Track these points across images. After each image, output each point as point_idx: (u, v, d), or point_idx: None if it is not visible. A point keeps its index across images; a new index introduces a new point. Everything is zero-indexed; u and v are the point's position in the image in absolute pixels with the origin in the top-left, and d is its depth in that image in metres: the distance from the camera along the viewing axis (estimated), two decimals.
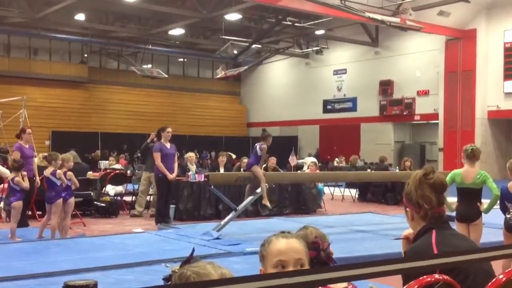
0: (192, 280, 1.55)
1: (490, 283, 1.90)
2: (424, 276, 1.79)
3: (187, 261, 1.64)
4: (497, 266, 2.46)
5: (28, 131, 9.68)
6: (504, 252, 2.04)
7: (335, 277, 1.51)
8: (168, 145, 10.15)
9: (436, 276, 1.78)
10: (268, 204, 9.35)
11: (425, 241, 2.35)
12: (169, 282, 1.60)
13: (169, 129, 10.29)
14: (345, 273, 1.52)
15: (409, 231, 2.62)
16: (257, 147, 8.81)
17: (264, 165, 13.42)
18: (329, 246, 2.32)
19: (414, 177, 2.50)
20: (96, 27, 28.50)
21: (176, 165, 10.30)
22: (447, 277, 1.82)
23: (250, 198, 9.34)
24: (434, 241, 2.33)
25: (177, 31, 28.77)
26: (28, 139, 9.58)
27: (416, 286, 1.70)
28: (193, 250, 1.70)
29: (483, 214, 6.09)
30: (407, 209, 2.48)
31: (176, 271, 1.61)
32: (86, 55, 32.61)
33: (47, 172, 8.13)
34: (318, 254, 2.22)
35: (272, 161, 12.73)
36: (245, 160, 12.76)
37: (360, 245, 7.91)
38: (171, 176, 9.92)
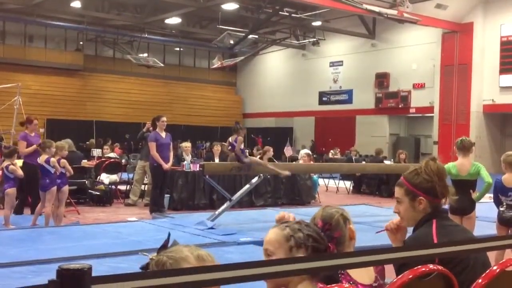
0: (169, 266, 1.55)
1: (484, 274, 1.91)
2: (419, 266, 1.79)
3: (164, 246, 1.62)
4: (490, 259, 2.47)
5: (35, 122, 9.70)
6: (500, 243, 2.05)
7: (336, 265, 1.51)
8: (163, 134, 10.12)
9: (431, 266, 1.78)
10: (286, 172, 9.20)
11: (426, 230, 2.36)
12: (147, 270, 1.57)
13: (164, 118, 10.26)
14: (348, 260, 1.52)
15: (392, 222, 2.60)
16: (234, 143, 8.50)
17: (259, 156, 13.43)
18: (335, 228, 2.30)
19: (433, 168, 2.45)
20: (92, 15, 28.33)
21: (171, 154, 10.27)
22: (442, 267, 1.83)
23: (245, 188, 9.35)
24: (434, 231, 2.33)
25: (173, 20, 28.64)
26: (34, 129, 9.59)
27: (411, 276, 1.70)
28: (169, 234, 1.69)
29: (476, 207, 6.13)
30: (420, 198, 2.42)
31: (154, 258, 1.60)
32: (81, 42, 32.43)
33: (41, 160, 8.11)
34: None
35: (270, 151, 12.72)
36: None
37: None
38: (166, 166, 9.91)
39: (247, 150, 11.00)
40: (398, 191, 2.54)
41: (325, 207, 2.40)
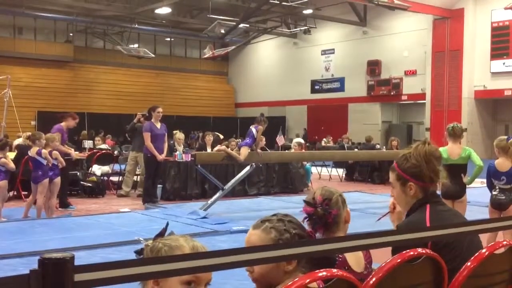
0: (164, 252, 1.58)
1: (473, 257, 1.90)
2: (407, 250, 1.79)
3: (160, 234, 1.65)
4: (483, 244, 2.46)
5: (77, 121, 9.94)
6: (491, 226, 2.04)
7: (326, 249, 1.50)
8: (158, 125, 10.09)
9: (419, 250, 1.78)
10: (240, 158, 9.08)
11: (419, 216, 2.33)
12: (141, 256, 1.60)
13: (160, 109, 10.22)
14: (338, 245, 1.51)
15: (391, 201, 2.60)
16: (253, 129, 8.72)
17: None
18: (334, 203, 2.28)
19: (421, 152, 2.41)
20: (81, 6, 28.09)
21: (165, 145, 10.24)
22: (430, 251, 1.82)
23: (237, 177, 9.35)
24: (427, 216, 2.31)
25: (163, 10, 28.43)
26: (72, 125, 9.84)
27: (399, 260, 1.70)
28: (167, 224, 1.72)
29: (469, 192, 6.17)
30: (410, 183, 2.39)
31: (149, 244, 1.63)
32: (71, 34, 32.19)
33: (32, 152, 8.07)
34: (315, 210, 2.24)
35: (262, 140, 12.69)
36: (233, 142, 12.72)
37: None
38: (160, 157, 9.88)
39: (239, 140, 11.02)
40: (391, 176, 2.53)
41: (323, 187, 2.39)
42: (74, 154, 9.76)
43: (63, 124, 9.54)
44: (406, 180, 2.40)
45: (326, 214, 2.21)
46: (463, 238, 2.14)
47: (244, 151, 8.66)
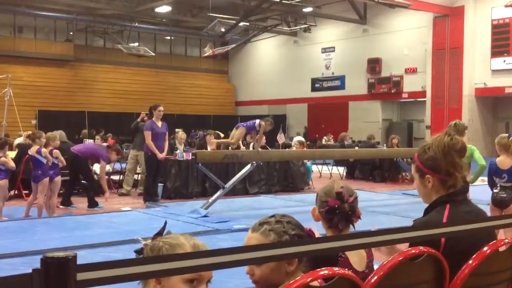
0: (165, 251, 1.58)
1: (474, 255, 1.90)
2: (409, 248, 1.79)
3: (159, 233, 1.65)
4: None
5: (117, 149, 10.49)
6: (493, 224, 2.05)
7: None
8: (159, 123, 10.09)
9: (421, 248, 1.78)
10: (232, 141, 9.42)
11: (437, 217, 2.20)
12: (141, 255, 1.61)
13: (161, 108, 10.23)
14: (343, 243, 1.51)
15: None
16: (257, 121, 8.87)
17: (252, 142, 13.41)
18: (356, 201, 2.31)
19: (439, 144, 2.26)
20: (81, 5, 28.09)
21: (166, 144, 10.25)
22: (431, 248, 1.82)
23: (238, 175, 9.35)
24: (445, 219, 2.18)
25: (163, 9, 28.43)
26: (114, 160, 10.43)
27: (400, 258, 1.70)
28: (165, 223, 1.71)
29: (470, 190, 6.17)
30: (428, 176, 2.27)
31: (149, 244, 1.63)
32: (71, 33, 32.17)
33: (32, 151, 8.07)
34: (342, 204, 2.23)
35: (263, 138, 12.73)
36: None
37: None
38: (161, 155, 9.89)
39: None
40: (412, 168, 2.44)
41: (332, 182, 2.40)
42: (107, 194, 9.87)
43: (109, 156, 9.85)
44: (424, 173, 2.30)
45: (352, 212, 2.22)
46: (478, 242, 2.01)
47: (240, 131, 8.77)
